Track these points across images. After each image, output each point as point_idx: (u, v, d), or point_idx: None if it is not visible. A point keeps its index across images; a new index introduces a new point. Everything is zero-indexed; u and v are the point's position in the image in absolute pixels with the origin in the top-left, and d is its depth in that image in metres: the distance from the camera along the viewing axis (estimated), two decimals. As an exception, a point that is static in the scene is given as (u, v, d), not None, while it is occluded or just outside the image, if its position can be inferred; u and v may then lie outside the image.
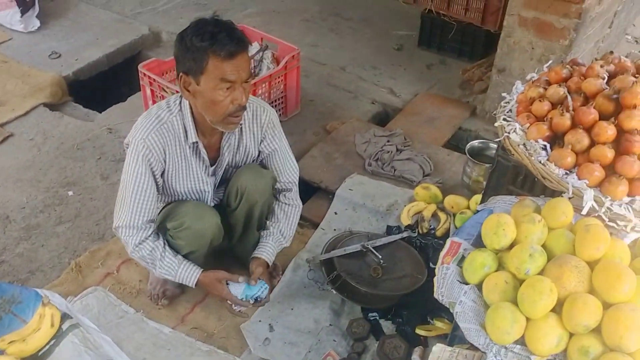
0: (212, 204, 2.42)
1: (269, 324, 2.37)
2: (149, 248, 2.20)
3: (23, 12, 4.21)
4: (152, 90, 3.28)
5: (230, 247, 2.55)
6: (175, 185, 2.28)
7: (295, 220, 2.48)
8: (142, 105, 3.43)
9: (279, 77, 3.41)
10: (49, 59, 4.02)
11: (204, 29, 1.99)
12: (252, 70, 3.47)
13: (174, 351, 2.24)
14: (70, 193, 3.02)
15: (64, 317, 1.73)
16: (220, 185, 2.43)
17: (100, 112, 3.63)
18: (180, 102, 2.17)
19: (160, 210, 2.37)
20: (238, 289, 2.25)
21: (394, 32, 4.62)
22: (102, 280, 2.53)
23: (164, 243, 2.24)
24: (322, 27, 4.70)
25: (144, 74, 3.26)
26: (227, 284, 2.26)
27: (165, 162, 2.19)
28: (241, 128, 2.27)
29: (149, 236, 2.21)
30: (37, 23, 4.31)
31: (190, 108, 2.15)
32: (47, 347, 1.66)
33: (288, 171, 2.42)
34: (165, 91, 3.16)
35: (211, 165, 2.32)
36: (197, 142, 2.19)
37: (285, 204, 2.45)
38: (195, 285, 2.26)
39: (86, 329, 1.77)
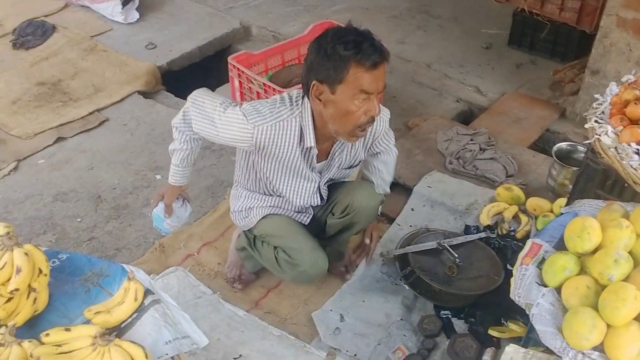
0: (315, 203, 2.34)
1: (340, 314, 2.39)
2: (178, 136, 2.20)
3: (124, 4, 4.44)
4: (240, 82, 3.38)
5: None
6: (277, 172, 2.21)
7: (393, 166, 2.45)
8: (229, 96, 3.53)
9: (363, 72, 3.41)
10: (146, 49, 4.21)
11: (346, 37, 1.91)
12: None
13: (247, 333, 2.30)
14: (159, 177, 3.16)
15: (147, 292, 1.76)
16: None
17: (190, 102, 3.77)
18: (301, 104, 2.07)
19: (259, 220, 2.32)
20: (161, 210, 2.37)
21: (483, 31, 4.52)
22: (183, 261, 2.63)
23: (191, 150, 2.24)
24: (409, 25, 4.66)
25: (234, 66, 3.35)
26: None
27: (262, 148, 2.10)
28: None
29: (187, 132, 2.16)
30: (137, 15, 4.53)
31: (312, 114, 2.06)
32: (130, 319, 1.70)
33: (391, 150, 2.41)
34: (253, 83, 3.24)
35: (318, 166, 2.25)
36: (312, 147, 2.12)
37: (383, 153, 2.39)
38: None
39: (166, 305, 1.83)
